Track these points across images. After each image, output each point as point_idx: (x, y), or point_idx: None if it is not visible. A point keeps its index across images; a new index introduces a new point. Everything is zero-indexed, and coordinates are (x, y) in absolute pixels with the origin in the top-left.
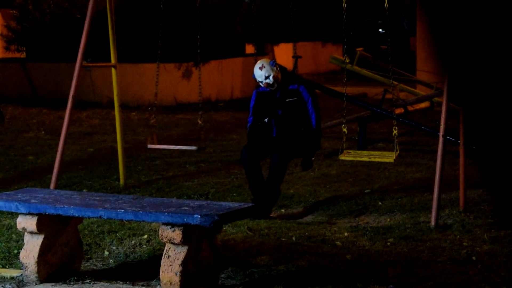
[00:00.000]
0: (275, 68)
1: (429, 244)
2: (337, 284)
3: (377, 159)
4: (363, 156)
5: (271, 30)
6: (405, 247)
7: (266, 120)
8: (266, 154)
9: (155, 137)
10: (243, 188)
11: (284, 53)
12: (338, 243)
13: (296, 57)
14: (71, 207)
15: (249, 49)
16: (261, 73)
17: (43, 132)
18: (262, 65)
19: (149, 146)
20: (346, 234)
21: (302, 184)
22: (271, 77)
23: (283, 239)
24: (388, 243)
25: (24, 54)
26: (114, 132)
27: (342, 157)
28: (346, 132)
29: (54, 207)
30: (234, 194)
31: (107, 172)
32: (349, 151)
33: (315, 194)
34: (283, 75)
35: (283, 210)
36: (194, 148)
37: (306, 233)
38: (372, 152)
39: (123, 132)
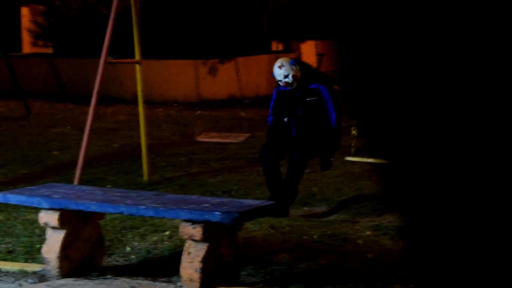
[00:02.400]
0: (294, 67)
1: None
2: (357, 283)
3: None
4: (369, 158)
5: (297, 27)
6: None
7: (285, 119)
8: (285, 153)
9: (203, 129)
10: (266, 186)
11: (311, 50)
12: (360, 241)
13: (320, 55)
14: (93, 202)
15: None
16: (280, 72)
17: (69, 127)
18: (282, 64)
19: (198, 139)
20: (368, 232)
21: (326, 182)
22: (290, 76)
23: (305, 237)
24: None
25: (51, 49)
26: (139, 128)
27: (349, 158)
28: (355, 134)
29: (76, 203)
30: (257, 192)
31: (131, 168)
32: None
33: (339, 192)
34: (304, 74)
35: (306, 208)
36: (242, 139)
37: (328, 232)
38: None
39: (147, 128)
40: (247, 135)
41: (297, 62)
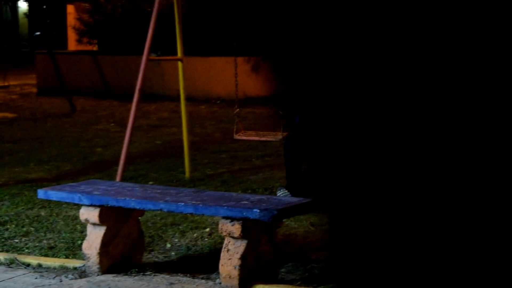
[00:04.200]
0: None
1: None
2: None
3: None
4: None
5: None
6: None
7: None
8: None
9: (242, 127)
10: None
11: None
12: None
13: None
14: (133, 199)
15: None
16: None
17: (112, 124)
18: None
19: (236, 137)
20: None
21: None
22: None
23: None
24: None
25: (96, 46)
26: (182, 125)
27: None
28: None
29: (116, 199)
30: None
31: (174, 164)
32: None
33: None
34: None
35: None
36: (279, 137)
37: None
38: None
39: (188, 125)
40: (285, 133)
41: None
